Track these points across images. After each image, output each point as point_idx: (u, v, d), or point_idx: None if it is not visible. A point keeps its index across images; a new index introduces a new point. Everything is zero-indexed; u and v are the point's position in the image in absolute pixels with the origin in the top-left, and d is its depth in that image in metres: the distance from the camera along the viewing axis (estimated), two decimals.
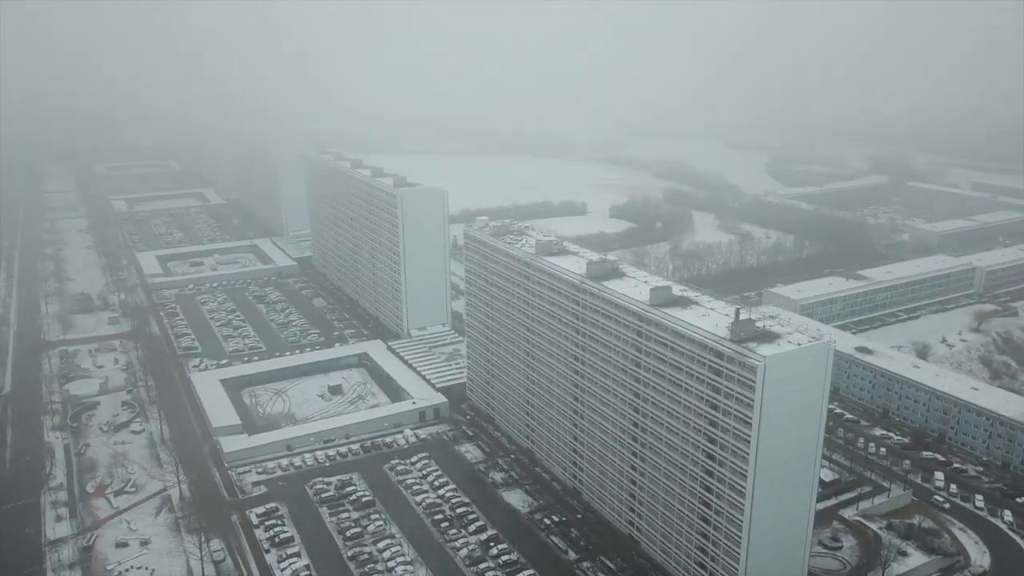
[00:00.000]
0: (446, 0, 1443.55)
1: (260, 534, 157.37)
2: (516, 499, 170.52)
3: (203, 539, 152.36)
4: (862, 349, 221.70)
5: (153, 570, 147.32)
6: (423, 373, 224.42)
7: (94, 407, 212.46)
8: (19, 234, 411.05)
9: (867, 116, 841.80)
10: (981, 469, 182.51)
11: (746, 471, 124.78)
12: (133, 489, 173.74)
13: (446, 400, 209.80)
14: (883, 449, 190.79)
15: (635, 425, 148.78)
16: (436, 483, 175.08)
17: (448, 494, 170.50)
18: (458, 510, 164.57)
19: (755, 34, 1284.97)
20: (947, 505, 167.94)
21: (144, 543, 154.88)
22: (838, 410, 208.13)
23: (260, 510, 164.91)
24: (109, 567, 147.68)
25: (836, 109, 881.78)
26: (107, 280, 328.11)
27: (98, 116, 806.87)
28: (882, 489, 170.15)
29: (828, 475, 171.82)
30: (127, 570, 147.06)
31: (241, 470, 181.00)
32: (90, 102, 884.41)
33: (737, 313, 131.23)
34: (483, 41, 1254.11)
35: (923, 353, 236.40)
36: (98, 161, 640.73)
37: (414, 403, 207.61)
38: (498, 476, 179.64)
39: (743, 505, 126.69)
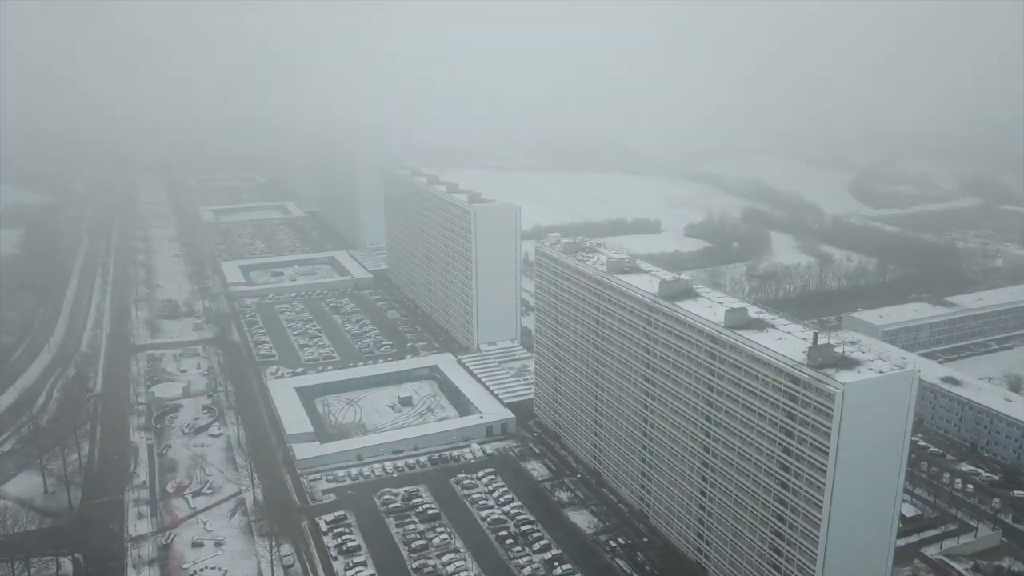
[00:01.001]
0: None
1: (328, 541, 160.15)
2: (581, 519, 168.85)
3: (274, 543, 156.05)
4: (949, 379, 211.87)
5: (226, 571, 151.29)
6: (491, 388, 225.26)
7: (177, 410, 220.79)
8: (114, 242, 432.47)
9: (962, 133, 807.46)
10: None
11: (821, 502, 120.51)
12: (210, 491, 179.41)
13: (513, 416, 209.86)
14: (970, 486, 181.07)
15: (706, 449, 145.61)
16: (502, 499, 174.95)
17: (513, 511, 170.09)
18: (523, 527, 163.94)
19: (842, 46, 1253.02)
20: None
21: (218, 544, 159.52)
22: (922, 443, 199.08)
23: (329, 517, 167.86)
24: (185, 566, 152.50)
25: (926, 125, 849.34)
26: (193, 287, 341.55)
27: (191, 129, 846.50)
28: (969, 528, 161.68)
29: (910, 510, 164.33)
30: (201, 570, 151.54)
31: (312, 477, 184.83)
32: (182, 115, 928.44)
33: (815, 337, 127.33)
34: (553, 54, 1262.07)
35: (1016, 386, 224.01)
36: (189, 173, 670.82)
37: (482, 417, 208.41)
38: (564, 495, 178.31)
39: (818, 537, 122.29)
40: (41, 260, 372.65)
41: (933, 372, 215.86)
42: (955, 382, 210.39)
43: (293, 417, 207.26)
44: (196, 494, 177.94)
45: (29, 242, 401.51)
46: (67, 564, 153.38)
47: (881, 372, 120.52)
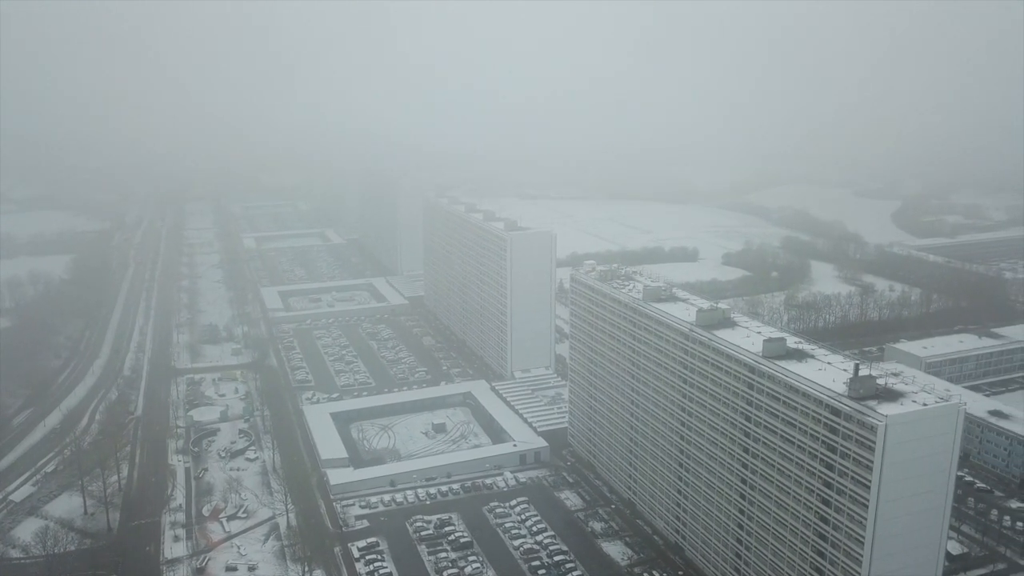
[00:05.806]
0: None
1: (360, 568, 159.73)
2: (615, 551, 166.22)
3: (307, 569, 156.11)
4: (996, 413, 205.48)
5: None
6: (525, 416, 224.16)
7: (214, 433, 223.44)
8: (160, 267, 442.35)
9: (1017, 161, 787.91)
10: None
11: (863, 537, 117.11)
12: (245, 515, 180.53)
13: (547, 444, 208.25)
14: (1020, 523, 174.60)
15: (743, 482, 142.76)
16: (534, 528, 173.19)
17: (546, 541, 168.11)
18: (556, 558, 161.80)
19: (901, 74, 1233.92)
20: None
21: (252, 568, 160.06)
22: (968, 478, 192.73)
23: (362, 544, 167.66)
24: None
25: (981, 157, 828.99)
26: (233, 313, 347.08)
27: (246, 159, 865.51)
28: (1018, 567, 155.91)
29: (956, 548, 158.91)
30: None
31: (346, 503, 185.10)
32: (238, 145, 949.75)
33: (856, 368, 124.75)
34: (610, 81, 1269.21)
35: None
36: (237, 201, 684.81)
37: (515, 446, 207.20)
38: (598, 526, 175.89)
39: (859, 574, 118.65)
40: (89, 285, 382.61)
41: (980, 405, 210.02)
42: (1003, 416, 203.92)
43: (328, 442, 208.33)
44: (231, 518, 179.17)
45: (78, 267, 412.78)
46: None
47: (925, 404, 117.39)
